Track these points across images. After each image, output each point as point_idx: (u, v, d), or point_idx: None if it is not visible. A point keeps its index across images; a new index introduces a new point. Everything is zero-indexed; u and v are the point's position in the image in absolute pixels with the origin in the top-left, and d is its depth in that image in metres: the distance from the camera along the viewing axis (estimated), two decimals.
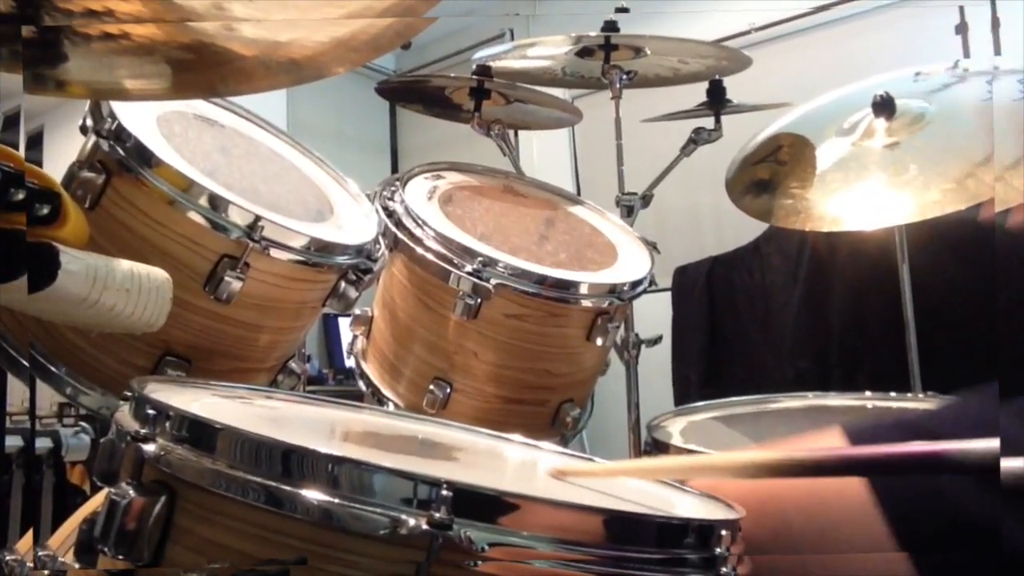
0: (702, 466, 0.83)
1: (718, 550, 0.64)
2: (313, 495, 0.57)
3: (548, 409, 1.37)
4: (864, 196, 1.46)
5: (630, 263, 1.45)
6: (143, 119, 1.09)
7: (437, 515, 0.55)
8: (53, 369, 1.06)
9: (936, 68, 1.57)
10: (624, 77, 1.86)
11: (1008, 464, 0.55)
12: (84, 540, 0.65)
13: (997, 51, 2.53)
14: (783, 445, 0.96)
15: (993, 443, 0.55)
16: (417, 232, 1.29)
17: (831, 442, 0.79)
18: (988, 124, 1.25)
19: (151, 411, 0.65)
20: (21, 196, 0.76)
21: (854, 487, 0.72)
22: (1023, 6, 2.38)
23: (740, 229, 2.92)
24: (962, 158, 1.33)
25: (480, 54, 1.96)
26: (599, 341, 1.32)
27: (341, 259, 1.15)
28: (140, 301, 0.85)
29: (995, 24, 2.51)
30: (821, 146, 1.61)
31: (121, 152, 1.01)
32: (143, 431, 0.64)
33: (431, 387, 1.30)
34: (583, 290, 1.30)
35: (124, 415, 0.70)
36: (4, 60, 0.75)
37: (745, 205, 1.64)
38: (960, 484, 0.68)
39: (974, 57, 2.88)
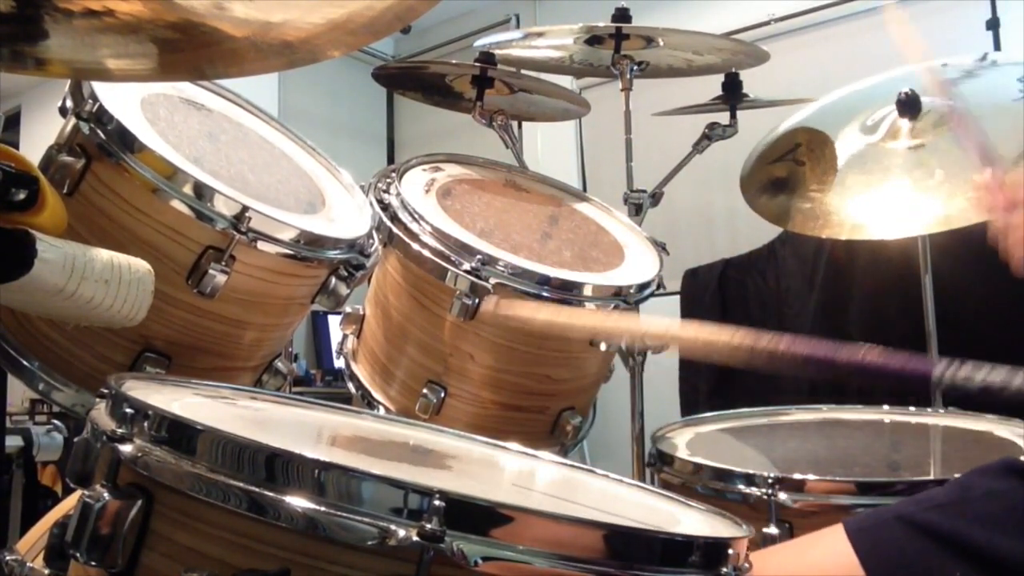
0: (661, 334, 0.85)
1: (724, 569, 0.64)
2: (298, 502, 0.57)
3: (548, 416, 1.37)
4: (886, 203, 1.46)
5: (637, 264, 1.45)
6: (126, 101, 1.09)
7: (428, 526, 0.55)
8: (25, 363, 1.06)
9: (964, 61, 1.57)
10: (635, 68, 1.86)
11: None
12: (55, 545, 0.65)
13: None
14: (782, 547, 0.98)
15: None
16: (413, 227, 1.29)
17: (833, 539, 0.80)
18: (1019, 124, 1.25)
19: (129, 410, 0.65)
20: None
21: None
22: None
23: (754, 230, 2.92)
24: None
25: (484, 40, 1.96)
26: (603, 346, 1.32)
27: (332, 254, 1.15)
28: (119, 293, 0.85)
29: None
30: (841, 144, 1.61)
31: (102, 136, 1.01)
32: (120, 431, 0.64)
33: (424, 391, 1.30)
34: (587, 292, 1.30)
35: (100, 414, 0.70)
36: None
37: (761, 206, 1.64)
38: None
39: (1006, 52, 2.88)
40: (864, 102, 1.64)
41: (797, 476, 1.07)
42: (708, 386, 2.97)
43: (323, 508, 0.56)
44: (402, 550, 0.55)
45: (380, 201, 1.33)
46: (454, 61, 1.94)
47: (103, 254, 0.85)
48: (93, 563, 0.61)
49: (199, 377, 0.97)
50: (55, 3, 0.73)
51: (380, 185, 1.36)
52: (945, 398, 1.92)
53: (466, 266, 1.24)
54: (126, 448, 0.63)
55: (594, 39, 1.86)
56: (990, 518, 0.75)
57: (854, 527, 0.80)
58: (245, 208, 1.04)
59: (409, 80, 2.14)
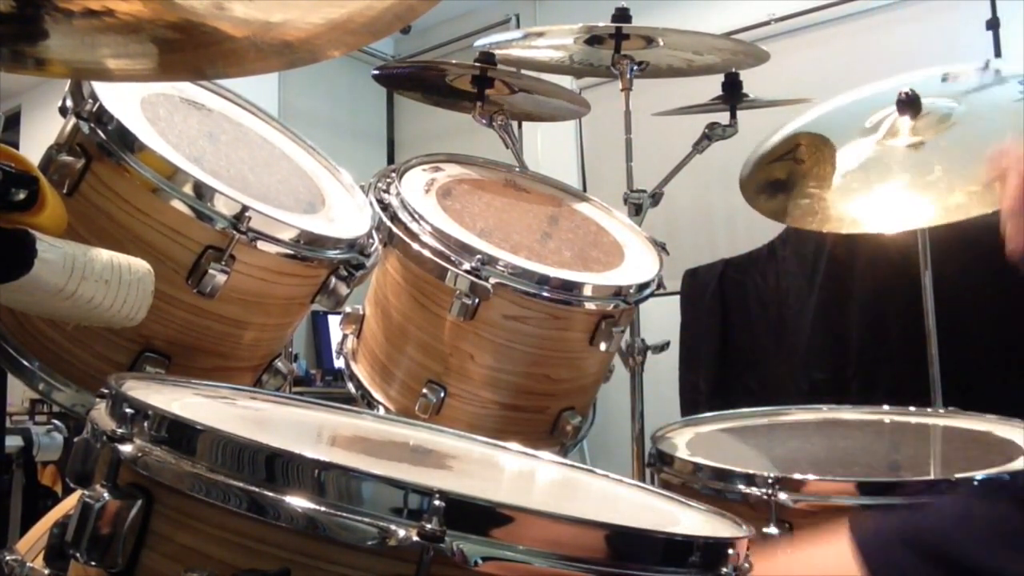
0: None
1: (725, 569, 0.64)
2: (298, 502, 0.57)
3: (547, 416, 1.37)
4: (885, 197, 1.46)
5: (637, 264, 1.45)
6: (126, 101, 1.09)
7: (428, 526, 0.55)
8: (25, 363, 1.06)
9: (965, 69, 1.57)
10: (635, 68, 1.86)
11: None
12: (55, 545, 0.65)
13: None
14: (786, 557, 0.97)
15: None
16: (413, 227, 1.29)
17: (839, 548, 0.80)
18: (1020, 124, 1.25)
19: (129, 410, 0.65)
20: None
21: None
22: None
23: (754, 230, 2.92)
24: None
25: (484, 40, 1.96)
26: (603, 346, 1.32)
27: (332, 253, 1.15)
28: (119, 293, 0.85)
29: None
30: (842, 146, 1.61)
31: (102, 135, 1.01)
32: (120, 431, 0.64)
33: (424, 391, 1.30)
34: (587, 292, 1.30)
35: (100, 413, 0.70)
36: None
37: (760, 205, 1.64)
38: None
39: (1006, 53, 2.88)
40: (865, 105, 1.64)
41: (797, 476, 1.07)
42: (708, 386, 2.97)
43: (323, 508, 0.56)
44: (402, 550, 0.55)
45: (380, 201, 1.33)
46: (455, 61, 1.94)
47: (103, 254, 0.85)
48: (93, 563, 0.61)
49: (199, 377, 0.97)
50: (55, 3, 0.73)
51: (380, 185, 1.36)
52: (945, 398, 1.92)
53: (466, 266, 1.24)
54: (126, 448, 0.63)
55: (594, 39, 1.86)
56: (996, 544, 0.76)
57: (862, 546, 0.80)
58: (245, 208, 1.04)
59: (409, 80, 2.14)
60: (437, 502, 0.55)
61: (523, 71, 2.01)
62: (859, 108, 1.66)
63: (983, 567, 0.74)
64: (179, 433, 0.62)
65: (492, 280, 1.23)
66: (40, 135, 1.09)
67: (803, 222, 1.53)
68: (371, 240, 1.23)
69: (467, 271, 1.23)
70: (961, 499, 0.84)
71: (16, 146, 0.83)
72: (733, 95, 2.00)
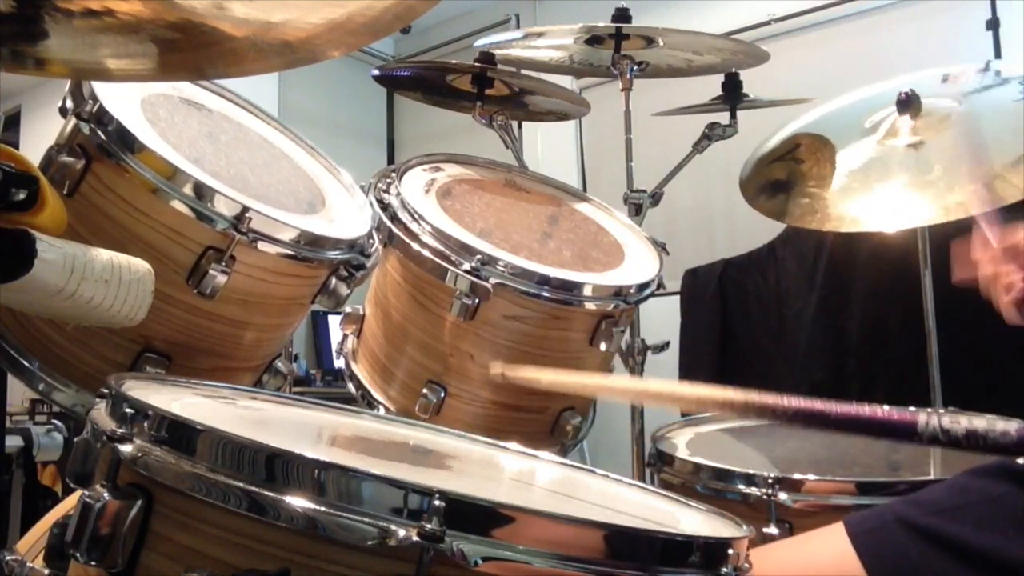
0: (661, 393, 0.86)
1: (724, 569, 0.64)
2: (298, 502, 0.57)
3: (547, 416, 1.37)
4: (885, 196, 1.46)
5: (637, 264, 1.45)
6: (126, 102, 1.09)
7: (428, 526, 0.55)
8: (25, 363, 1.06)
9: (965, 69, 1.57)
10: (635, 68, 1.86)
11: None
12: (55, 545, 0.65)
13: None
14: (783, 544, 0.98)
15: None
16: (413, 227, 1.29)
17: (834, 538, 0.80)
18: (1019, 125, 1.26)
19: (129, 410, 0.65)
20: None
21: None
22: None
23: (754, 230, 2.92)
24: (990, 159, 1.33)
25: (484, 40, 1.96)
26: (603, 346, 1.32)
27: (332, 254, 1.15)
28: (119, 293, 0.85)
29: None
30: (841, 147, 1.61)
31: (102, 136, 1.01)
32: (120, 431, 0.64)
33: (424, 391, 1.30)
34: (587, 292, 1.30)
35: (100, 414, 0.70)
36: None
37: (760, 205, 1.64)
38: None
39: (1006, 54, 2.88)
40: (864, 107, 1.64)
41: (797, 476, 1.07)
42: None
43: (323, 508, 0.56)
44: (402, 550, 0.55)
45: (380, 201, 1.33)
46: (455, 61, 1.94)
47: (103, 254, 0.85)
48: (93, 563, 0.61)
49: (199, 377, 0.97)
50: (55, 3, 0.73)
51: (380, 185, 1.36)
52: (945, 398, 1.92)
53: (466, 266, 1.24)
54: (126, 448, 0.63)
55: (594, 39, 1.86)
56: (991, 522, 0.76)
57: (855, 528, 0.80)
58: (245, 208, 1.04)
59: (409, 80, 2.14)
60: (437, 502, 0.55)
61: (523, 71, 2.01)
62: (859, 109, 1.66)
63: (979, 546, 0.74)
64: (179, 433, 0.62)
65: (492, 280, 1.23)
66: (40, 135, 1.09)
67: (803, 221, 1.54)
68: (371, 240, 1.23)
69: (467, 271, 1.23)
70: (959, 478, 0.84)
71: (16, 146, 0.83)
72: (733, 95, 2.00)
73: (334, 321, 2.97)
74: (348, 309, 1.45)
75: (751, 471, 1.08)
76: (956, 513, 0.77)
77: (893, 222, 1.49)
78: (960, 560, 0.74)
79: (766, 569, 0.77)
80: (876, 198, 1.47)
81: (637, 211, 1.86)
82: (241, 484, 0.58)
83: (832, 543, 0.81)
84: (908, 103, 1.51)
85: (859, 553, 0.77)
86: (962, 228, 1.36)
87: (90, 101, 1.02)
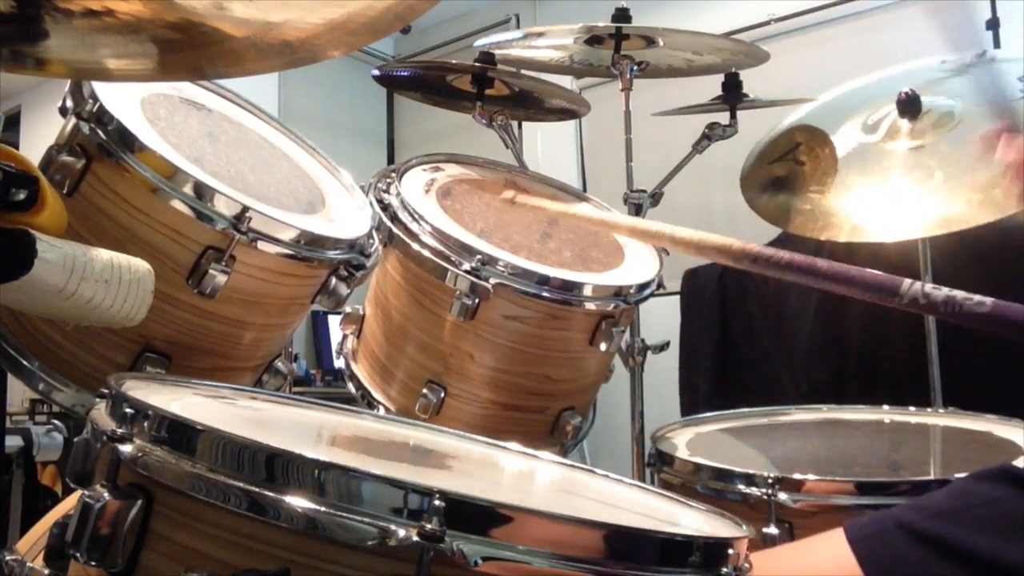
0: (661, 233, 0.89)
1: (724, 569, 0.64)
2: (298, 502, 0.57)
3: (547, 417, 1.37)
4: (886, 204, 1.46)
5: (637, 264, 1.45)
6: (126, 101, 1.09)
7: (428, 526, 0.55)
8: (25, 363, 1.06)
9: (962, 56, 1.57)
10: (635, 68, 1.86)
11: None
12: (55, 545, 0.65)
13: None
14: (782, 550, 0.98)
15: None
16: (413, 227, 1.29)
17: (833, 543, 0.80)
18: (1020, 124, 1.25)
19: (129, 410, 0.65)
20: None
21: None
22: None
23: (754, 230, 2.89)
24: (989, 164, 1.33)
25: (484, 40, 1.96)
26: (603, 346, 1.32)
27: (332, 254, 1.15)
28: (119, 293, 0.85)
29: None
30: (841, 143, 1.61)
31: (102, 136, 1.01)
32: (120, 431, 0.64)
33: (424, 391, 1.30)
34: (587, 292, 1.30)
35: (100, 414, 0.70)
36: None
37: (761, 205, 1.64)
38: None
39: (1006, 54, 2.88)
40: (864, 100, 1.64)
41: (797, 476, 1.07)
42: (708, 386, 2.97)
43: (323, 508, 0.56)
44: (402, 550, 0.55)
45: (380, 201, 1.33)
46: (454, 61, 1.94)
47: (103, 254, 0.85)
48: (93, 563, 0.61)
49: (199, 377, 0.97)
50: (55, 3, 0.73)
51: (380, 185, 1.36)
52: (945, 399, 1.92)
53: (466, 266, 1.24)
54: (126, 448, 0.63)
55: (594, 39, 1.86)
56: (992, 526, 0.75)
57: (855, 534, 0.79)
58: (245, 208, 1.04)
59: (409, 80, 2.14)
60: (437, 502, 0.55)
61: (523, 71, 2.01)
62: (857, 100, 1.66)
63: (981, 551, 0.73)
64: (179, 433, 0.62)
65: (492, 280, 1.23)
66: (40, 135, 1.09)
67: (805, 230, 1.53)
68: (371, 240, 1.23)
69: (467, 271, 1.23)
70: (960, 482, 0.84)
71: (16, 146, 0.83)
72: (733, 95, 2.00)
73: (334, 321, 2.97)
74: (348, 309, 1.45)
75: (751, 471, 1.08)
76: (956, 516, 0.77)
77: (894, 233, 1.49)
78: (959, 563, 0.74)
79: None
80: (878, 206, 1.47)
81: (637, 211, 1.86)
82: (241, 484, 0.58)
83: (832, 550, 0.80)
84: (908, 104, 1.51)
85: (859, 559, 0.77)
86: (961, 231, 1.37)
87: (90, 101, 1.02)
